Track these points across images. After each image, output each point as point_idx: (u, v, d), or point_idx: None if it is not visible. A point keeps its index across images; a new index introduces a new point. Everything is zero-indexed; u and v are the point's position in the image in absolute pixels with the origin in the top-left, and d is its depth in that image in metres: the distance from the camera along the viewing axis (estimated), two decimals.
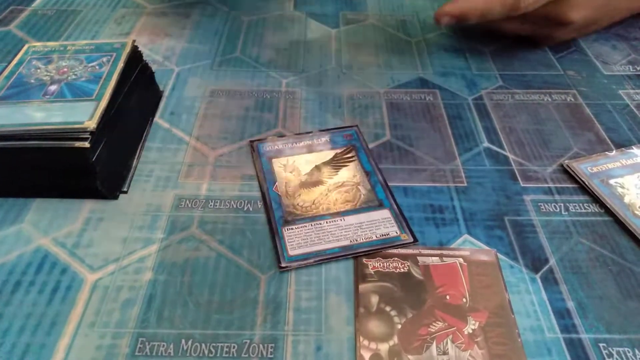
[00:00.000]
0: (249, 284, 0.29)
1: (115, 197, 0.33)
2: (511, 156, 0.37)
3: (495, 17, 0.42)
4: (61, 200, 0.33)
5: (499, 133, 0.39)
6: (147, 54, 0.46)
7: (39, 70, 0.36)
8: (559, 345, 0.26)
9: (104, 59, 0.37)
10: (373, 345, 0.26)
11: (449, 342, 0.26)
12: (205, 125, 0.39)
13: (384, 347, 0.26)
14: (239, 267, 0.30)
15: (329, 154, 0.36)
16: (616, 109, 0.41)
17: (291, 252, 0.30)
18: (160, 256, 0.30)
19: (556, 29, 0.45)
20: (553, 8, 0.42)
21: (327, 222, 0.31)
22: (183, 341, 0.26)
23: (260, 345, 0.26)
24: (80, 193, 0.33)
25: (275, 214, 0.32)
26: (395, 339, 0.26)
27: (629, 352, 0.26)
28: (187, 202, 0.33)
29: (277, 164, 0.35)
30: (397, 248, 0.30)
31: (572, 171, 0.35)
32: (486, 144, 0.38)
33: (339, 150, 0.36)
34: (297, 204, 0.33)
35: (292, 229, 0.31)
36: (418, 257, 0.30)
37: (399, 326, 0.27)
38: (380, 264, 0.29)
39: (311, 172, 0.35)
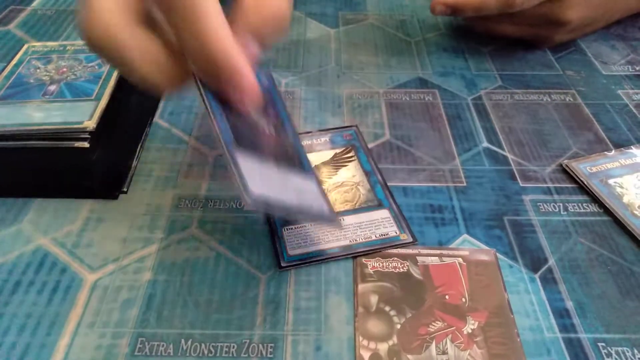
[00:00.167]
0: (249, 284, 0.29)
1: (115, 197, 0.33)
2: (510, 156, 0.37)
3: (490, 13, 0.42)
4: (61, 200, 0.33)
5: (498, 133, 0.39)
6: None
7: (38, 70, 0.36)
8: (558, 345, 0.26)
9: None
10: (372, 345, 0.26)
11: (448, 341, 0.26)
12: (205, 125, 0.39)
13: (383, 347, 0.26)
14: (239, 267, 0.30)
15: (328, 154, 0.36)
16: (615, 109, 0.41)
17: (291, 252, 0.30)
18: (159, 256, 0.30)
19: (554, 30, 0.45)
20: (550, 8, 0.43)
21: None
22: (183, 341, 0.26)
23: (260, 345, 0.26)
24: (80, 193, 0.33)
25: None
26: (395, 339, 0.26)
27: (627, 352, 0.26)
28: (187, 202, 0.33)
29: None
30: (397, 248, 0.30)
31: (571, 171, 0.35)
32: (485, 144, 0.38)
33: (338, 150, 0.36)
34: None
35: (291, 229, 0.31)
36: (417, 257, 0.30)
37: (399, 326, 0.27)
38: (379, 264, 0.30)
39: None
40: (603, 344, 0.26)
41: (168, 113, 0.40)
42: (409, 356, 0.26)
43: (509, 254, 0.31)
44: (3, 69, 0.36)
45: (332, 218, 0.30)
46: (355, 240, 0.31)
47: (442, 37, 0.50)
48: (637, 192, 0.33)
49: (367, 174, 0.35)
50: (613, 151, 0.37)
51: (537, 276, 0.29)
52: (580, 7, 0.43)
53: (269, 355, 0.26)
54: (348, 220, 0.32)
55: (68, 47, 0.38)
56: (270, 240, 0.31)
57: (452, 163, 0.36)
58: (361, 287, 0.29)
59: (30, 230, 0.31)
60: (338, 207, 0.32)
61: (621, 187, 0.34)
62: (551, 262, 0.30)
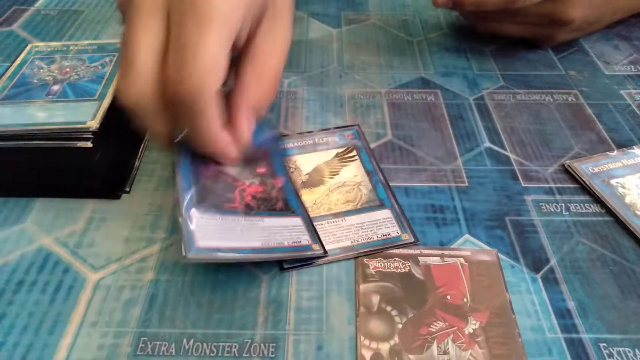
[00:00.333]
0: (250, 284, 0.29)
1: (118, 197, 0.34)
2: (512, 156, 0.37)
3: (491, 8, 0.42)
4: (63, 200, 0.33)
5: (500, 133, 0.39)
6: None
7: (41, 70, 0.36)
8: (559, 345, 0.26)
9: (107, 59, 0.37)
10: (374, 345, 0.26)
11: (449, 341, 0.26)
12: None
13: (384, 347, 0.26)
14: (241, 267, 0.30)
15: (330, 154, 0.36)
16: (618, 109, 0.41)
17: None
18: (162, 256, 0.30)
19: (556, 29, 0.45)
20: (552, 7, 0.42)
21: (328, 223, 0.32)
22: (185, 341, 0.26)
23: (262, 345, 0.26)
24: (83, 193, 0.33)
25: None
26: (396, 339, 0.26)
27: (629, 352, 0.26)
28: None
29: None
30: (398, 248, 0.30)
31: (573, 171, 0.35)
32: (487, 144, 0.38)
33: (340, 150, 0.37)
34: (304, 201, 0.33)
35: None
36: (419, 257, 0.30)
37: (400, 326, 0.27)
38: (381, 264, 0.30)
39: (312, 171, 0.35)
40: (604, 344, 0.26)
41: None
42: (411, 356, 0.26)
43: (510, 254, 0.31)
44: (7, 69, 0.36)
45: (307, 250, 0.29)
46: (357, 240, 0.31)
47: (445, 37, 0.50)
48: (639, 193, 0.33)
49: (369, 173, 0.35)
50: (615, 151, 0.37)
51: (538, 276, 0.29)
52: (582, 6, 0.43)
53: (270, 355, 0.26)
54: (350, 220, 0.32)
55: (71, 47, 0.39)
56: None
57: (454, 163, 0.36)
58: (363, 287, 0.29)
59: (33, 230, 0.32)
60: (340, 208, 0.33)
61: (623, 187, 0.34)
62: (553, 262, 0.30)
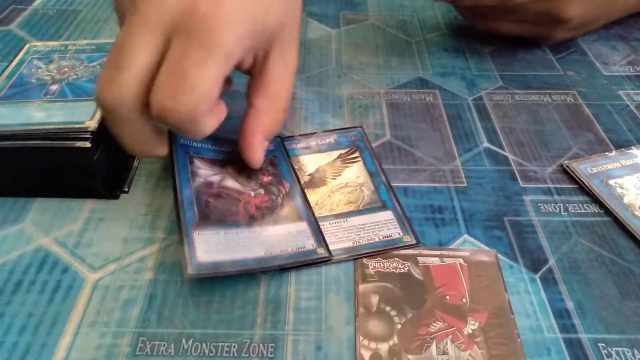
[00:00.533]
0: (249, 284, 0.29)
1: (116, 197, 0.34)
2: (511, 156, 0.37)
3: (490, 3, 0.42)
4: (62, 200, 0.33)
5: (499, 133, 0.39)
6: None
7: (40, 70, 0.36)
8: (558, 345, 0.26)
9: (105, 59, 0.37)
10: (373, 345, 0.26)
11: (448, 342, 0.26)
12: None
13: (383, 347, 0.26)
14: None
15: (332, 155, 0.36)
16: (616, 110, 0.41)
17: None
18: (161, 256, 0.30)
19: (555, 28, 0.45)
20: (551, 4, 0.42)
21: (330, 224, 0.32)
22: (183, 340, 0.26)
23: (261, 345, 0.26)
24: (81, 193, 0.33)
25: None
26: (395, 339, 0.26)
27: (628, 352, 0.26)
28: None
29: None
30: (400, 250, 0.30)
31: (572, 172, 0.35)
32: (486, 145, 0.38)
33: (343, 151, 0.37)
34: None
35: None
36: (418, 258, 0.30)
37: (399, 326, 0.27)
38: (380, 264, 0.30)
39: (315, 172, 0.35)
40: (603, 344, 0.26)
41: None
42: (410, 356, 0.26)
43: (509, 254, 0.31)
44: (5, 69, 0.36)
45: (312, 255, 0.29)
46: (359, 242, 0.31)
47: (443, 38, 0.50)
48: (638, 193, 0.33)
49: (372, 175, 0.35)
50: (614, 152, 0.37)
51: (537, 276, 0.29)
52: (581, 4, 0.43)
53: (269, 355, 0.26)
54: (352, 221, 0.32)
55: (69, 47, 0.38)
56: None
57: (452, 163, 0.36)
58: (362, 287, 0.29)
59: (31, 230, 0.32)
60: (342, 209, 0.33)
61: (622, 187, 0.34)
62: (551, 262, 0.30)
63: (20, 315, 0.27)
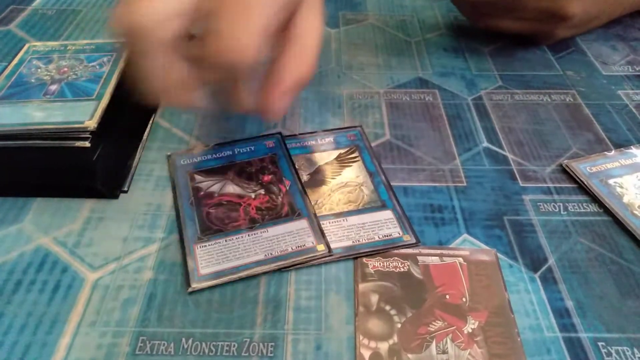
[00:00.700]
0: (249, 283, 0.29)
1: (116, 197, 0.34)
2: (510, 156, 0.37)
3: None
4: (61, 200, 0.33)
5: (499, 133, 0.39)
6: None
7: (39, 70, 0.36)
8: (558, 344, 0.26)
9: (105, 59, 0.37)
10: (373, 344, 0.26)
11: (448, 341, 0.26)
12: (205, 124, 0.39)
13: (383, 346, 0.26)
14: None
15: (332, 154, 0.36)
16: (615, 109, 0.41)
17: None
18: (160, 255, 0.30)
19: (556, 25, 0.45)
20: (553, 1, 0.42)
21: (329, 223, 0.32)
22: (183, 340, 0.26)
23: (260, 344, 0.26)
24: (81, 192, 0.33)
25: None
26: (395, 338, 0.26)
27: (627, 351, 0.26)
28: None
29: None
30: (400, 249, 0.30)
31: (571, 171, 0.35)
32: (485, 144, 0.38)
33: (342, 151, 0.37)
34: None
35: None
36: (418, 257, 0.30)
37: (399, 325, 0.27)
38: (380, 264, 0.30)
39: (314, 172, 0.35)
40: (603, 343, 0.26)
41: (169, 113, 0.40)
42: (410, 355, 0.26)
43: (509, 253, 0.31)
44: (4, 69, 0.36)
45: (312, 252, 0.30)
46: (358, 241, 0.31)
47: (442, 37, 0.50)
48: (637, 192, 0.33)
49: (371, 174, 0.35)
50: (613, 151, 0.37)
51: (537, 276, 0.29)
52: (582, 1, 0.43)
53: (269, 354, 0.26)
54: (351, 220, 0.32)
55: (69, 47, 0.38)
56: None
57: (452, 163, 0.36)
58: (362, 286, 0.29)
59: (31, 229, 0.31)
60: (341, 208, 0.33)
61: (621, 187, 0.34)
62: (551, 261, 0.30)
63: (20, 315, 0.27)
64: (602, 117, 0.41)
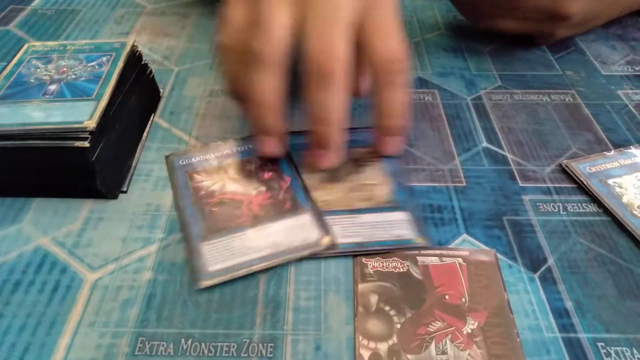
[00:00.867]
0: (248, 284, 0.29)
1: (115, 197, 0.34)
2: (510, 156, 0.37)
3: None
4: (61, 200, 0.33)
5: (498, 133, 0.39)
6: (146, 54, 0.46)
7: (38, 70, 0.36)
8: (557, 344, 0.26)
9: (104, 59, 0.37)
10: (372, 345, 0.26)
11: (447, 341, 0.26)
12: (205, 125, 0.39)
13: (383, 347, 0.26)
14: None
15: (354, 152, 0.36)
16: (615, 109, 0.41)
17: None
18: (159, 256, 0.30)
19: (556, 25, 0.45)
20: (551, 1, 0.42)
21: (342, 218, 0.32)
22: (183, 340, 0.26)
23: (260, 345, 0.26)
24: (80, 193, 0.33)
25: None
26: (395, 339, 0.26)
27: (627, 352, 0.26)
28: None
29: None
30: (411, 251, 0.30)
31: (571, 171, 0.35)
32: (485, 144, 0.38)
33: (365, 150, 0.37)
34: (316, 198, 0.33)
35: None
36: (417, 257, 0.30)
37: (398, 326, 0.27)
38: (379, 264, 0.30)
39: (334, 168, 0.35)
40: (602, 344, 0.26)
41: (168, 113, 0.40)
42: (409, 356, 0.26)
43: (508, 253, 0.31)
44: (3, 69, 0.36)
45: (317, 245, 0.30)
46: (370, 238, 0.31)
47: (442, 37, 0.50)
48: (636, 192, 0.33)
49: (391, 175, 0.35)
50: (612, 151, 0.37)
51: (536, 276, 0.29)
52: (582, 0, 0.43)
53: (268, 355, 0.26)
54: (365, 218, 0.32)
55: (68, 47, 0.38)
56: None
57: (451, 163, 0.36)
58: (361, 286, 0.29)
59: (30, 230, 0.31)
60: (356, 205, 0.33)
61: (620, 187, 0.34)
62: (550, 262, 0.30)
63: (19, 315, 0.27)
64: (601, 117, 0.41)
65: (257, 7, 0.32)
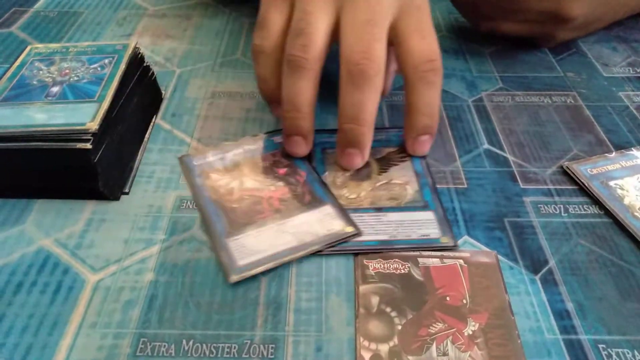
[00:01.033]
0: (250, 285, 0.29)
1: (117, 198, 0.34)
2: (511, 158, 0.37)
3: None
4: (63, 201, 0.33)
5: (499, 135, 0.39)
6: (148, 56, 0.46)
7: (41, 72, 0.36)
8: (558, 346, 0.26)
9: (106, 61, 0.37)
10: (373, 346, 0.26)
11: (448, 343, 0.26)
12: (207, 126, 0.39)
13: (384, 348, 0.26)
14: None
15: (382, 152, 0.37)
16: (616, 111, 0.41)
17: None
18: (161, 257, 0.30)
19: (558, 27, 0.45)
20: (555, 3, 0.42)
21: (369, 216, 0.32)
22: (184, 341, 0.26)
23: (261, 346, 0.26)
24: (82, 194, 0.33)
25: None
26: (396, 340, 0.26)
27: (628, 354, 0.26)
28: (189, 203, 0.33)
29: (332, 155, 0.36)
30: (437, 251, 0.30)
31: (572, 173, 0.35)
32: (486, 146, 0.38)
33: (392, 150, 0.37)
34: (343, 195, 0.33)
35: None
36: (418, 259, 0.30)
37: (399, 327, 0.27)
38: (380, 265, 0.30)
39: (362, 167, 0.35)
40: (603, 346, 0.26)
41: (170, 114, 0.40)
42: (410, 357, 0.26)
43: (509, 255, 0.31)
44: (6, 71, 0.36)
45: (341, 234, 0.31)
46: (395, 236, 0.31)
47: (443, 39, 0.50)
48: (638, 194, 0.33)
49: (418, 175, 0.35)
50: (614, 153, 0.37)
51: (537, 278, 0.29)
52: (585, 2, 0.43)
53: (269, 356, 0.26)
54: (391, 217, 0.32)
55: (71, 49, 0.39)
56: None
57: (452, 164, 0.36)
58: (362, 288, 0.29)
59: (32, 231, 0.32)
60: (383, 203, 0.33)
61: (622, 188, 0.34)
62: (551, 263, 0.30)
63: (21, 317, 0.27)
64: (602, 119, 0.41)
65: (294, 9, 0.33)
